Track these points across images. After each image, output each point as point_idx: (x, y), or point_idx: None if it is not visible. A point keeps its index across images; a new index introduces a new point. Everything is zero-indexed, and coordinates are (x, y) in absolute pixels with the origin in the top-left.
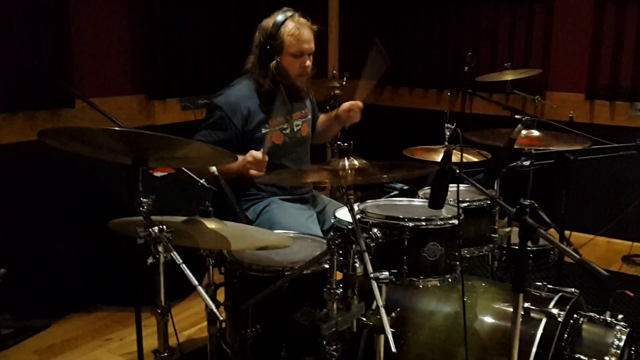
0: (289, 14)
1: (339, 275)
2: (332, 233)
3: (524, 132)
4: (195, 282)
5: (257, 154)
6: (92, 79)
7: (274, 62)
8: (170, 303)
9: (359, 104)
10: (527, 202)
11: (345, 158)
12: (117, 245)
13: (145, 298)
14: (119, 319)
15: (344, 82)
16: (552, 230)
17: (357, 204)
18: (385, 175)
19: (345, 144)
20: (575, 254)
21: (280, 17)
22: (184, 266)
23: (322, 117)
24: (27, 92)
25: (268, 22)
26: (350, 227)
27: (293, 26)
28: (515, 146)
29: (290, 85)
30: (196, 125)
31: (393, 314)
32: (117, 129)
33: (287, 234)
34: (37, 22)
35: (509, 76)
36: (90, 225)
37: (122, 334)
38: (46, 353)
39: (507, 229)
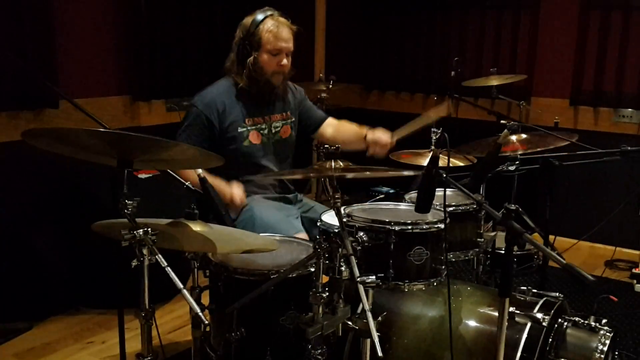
0: (269, 12)
1: (324, 279)
2: (318, 236)
3: (513, 137)
4: (180, 285)
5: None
6: (77, 79)
7: (251, 57)
8: (154, 306)
9: (388, 143)
10: (512, 207)
11: (332, 161)
12: (101, 247)
13: (128, 301)
14: (102, 322)
15: (331, 85)
16: (536, 235)
17: (344, 207)
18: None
19: (333, 147)
20: (561, 259)
21: (260, 15)
22: (168, 269)
23: (350, 128)
24: (11, 92)
25: (248, 20)
26: (336, 230)
27: (272, 24)
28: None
29: (266, 83)
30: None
31: (379, 318)
32: (101, 130)
33: (273, 237)
34: (22, 21)
35: (494, 81)
36: (73, 227)
37: (105, 337)
38: (26, 356)
39: (492, 233)
